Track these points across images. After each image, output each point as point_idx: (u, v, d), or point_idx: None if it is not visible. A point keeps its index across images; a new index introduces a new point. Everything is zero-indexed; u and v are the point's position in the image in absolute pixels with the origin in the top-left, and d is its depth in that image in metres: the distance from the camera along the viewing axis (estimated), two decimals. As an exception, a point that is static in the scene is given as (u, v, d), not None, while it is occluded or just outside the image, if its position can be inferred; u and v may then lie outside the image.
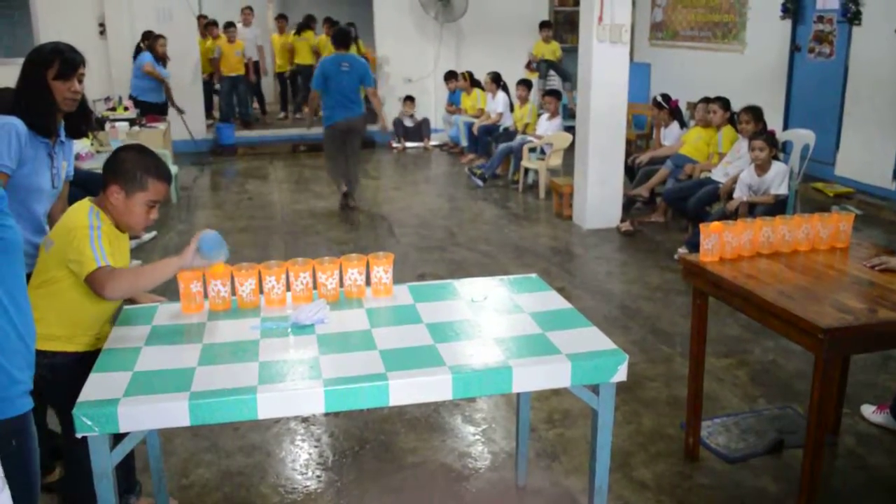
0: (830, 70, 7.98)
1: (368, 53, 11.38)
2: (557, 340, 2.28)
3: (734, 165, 6.10)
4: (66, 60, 2.62)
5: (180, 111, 9.24)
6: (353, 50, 10.60)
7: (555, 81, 10.92)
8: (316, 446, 3.30)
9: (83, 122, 2.83)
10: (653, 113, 7.35)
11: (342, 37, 7.27)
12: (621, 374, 2.20)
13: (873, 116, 7.41)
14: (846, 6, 7.64)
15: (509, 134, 9.09)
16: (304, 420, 3.47)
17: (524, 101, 9.09)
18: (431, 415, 3.53)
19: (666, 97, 7.39)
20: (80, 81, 2.68)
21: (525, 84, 9.15)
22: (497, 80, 9.58)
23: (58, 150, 2.72)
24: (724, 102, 6.58)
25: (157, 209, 2.46)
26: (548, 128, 8.41)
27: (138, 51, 9.08)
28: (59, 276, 2.29)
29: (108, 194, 2.38)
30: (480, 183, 8.42)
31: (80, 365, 2.24)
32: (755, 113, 6.08)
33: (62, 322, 2.32)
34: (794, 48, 8.51)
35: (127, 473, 2.67)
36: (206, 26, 11.38)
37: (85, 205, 2.39)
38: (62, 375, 2.26)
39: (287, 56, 12.06)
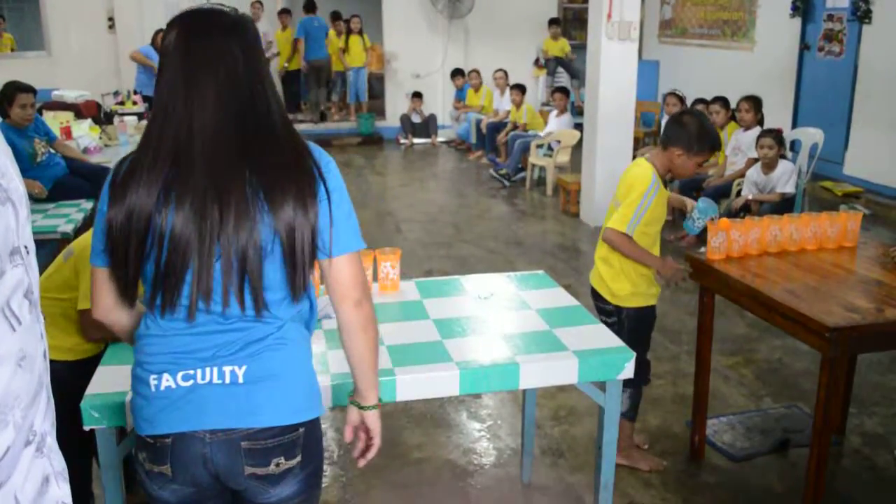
0: (840, 69, 7.95)
1: (377, 47, 11.38)
2: (565, 337, 2.28)
3: (737, 163, 6.13)
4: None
5: None
6: (358, 42, 10.75)
7: (563, 78, 10.91)
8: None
9: None
10: (669, 108, 7.31)
11: (310, 4, 11.12)
12: (628, 372, 2.19)
13: (883, 115, 7.38)
14: (856, 5, 7.60)
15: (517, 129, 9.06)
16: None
17: (518, 105, 9.02)
18: (437, 411, 3.53)
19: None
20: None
21: (519, 88, 9.06)
22: (507, 78, 9.62)
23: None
24: (724, 102, 6.59)
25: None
26: (557, 125, 8.38)
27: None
28: None
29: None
30: (507, 183, 8.27)
31: (74, 372, 2.18)
32: (755, 102, 6.15)
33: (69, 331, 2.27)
34: (804, 46, 8.47)
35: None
36: None
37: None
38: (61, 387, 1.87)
39: (292, 53, 11.64)
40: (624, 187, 2.90)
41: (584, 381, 2.20)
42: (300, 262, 1.51)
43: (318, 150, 1.58)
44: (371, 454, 1.76)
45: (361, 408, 1.73)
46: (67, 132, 6.03)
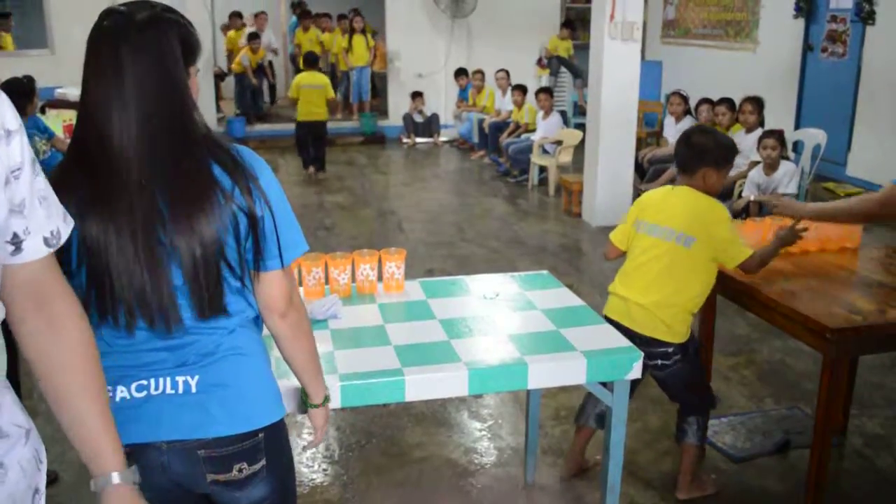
0: (843, 70, 7.95)
1: (380, 47, 11.39)
2: (572, 337, 2.28)
3: (739, 164, 6.13)
4: None
5: None
6: (361, 41, 10.76)
7: (566, 78, 10.90)
8: (322, 440, 3.32)
9: None
10: (672, 108, 7.30)
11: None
12: (636, 371, 2.19)
13: (886, 117, 7.38)
14: (860, 6, 7.60)
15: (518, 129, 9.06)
16: (312, 413, 3.48)
17: (520, 105, 9.02)
18: (438, 410, 3.54)
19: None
20: None
21: (520, 89, 9.06)
22: (508, 78, 9.63)
23: None
24: (730, 104, 6.59)
25: None
26: (546, 128, 8.34)
27: None
28: None
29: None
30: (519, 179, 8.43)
31: None
32: (758, 103, 6.16)
33: None
34: (807, 47, 8.47)
35: None
36: (231, 17, 11.52)
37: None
38: None
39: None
40: (695, 222, 2.67)
41: (592, 381, 2.19)
42: (205, 278, 1.46)
43: (250, 156, 1.52)
44: (310, 447, 1.80)
45: (308, 406, 1.76)
46: (70, 130, 6.04)
